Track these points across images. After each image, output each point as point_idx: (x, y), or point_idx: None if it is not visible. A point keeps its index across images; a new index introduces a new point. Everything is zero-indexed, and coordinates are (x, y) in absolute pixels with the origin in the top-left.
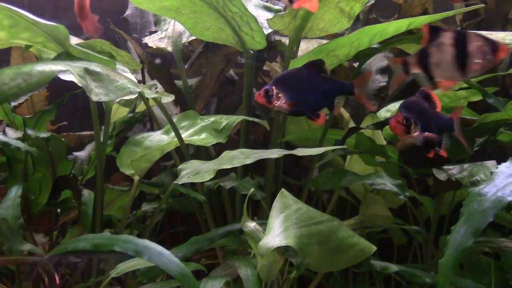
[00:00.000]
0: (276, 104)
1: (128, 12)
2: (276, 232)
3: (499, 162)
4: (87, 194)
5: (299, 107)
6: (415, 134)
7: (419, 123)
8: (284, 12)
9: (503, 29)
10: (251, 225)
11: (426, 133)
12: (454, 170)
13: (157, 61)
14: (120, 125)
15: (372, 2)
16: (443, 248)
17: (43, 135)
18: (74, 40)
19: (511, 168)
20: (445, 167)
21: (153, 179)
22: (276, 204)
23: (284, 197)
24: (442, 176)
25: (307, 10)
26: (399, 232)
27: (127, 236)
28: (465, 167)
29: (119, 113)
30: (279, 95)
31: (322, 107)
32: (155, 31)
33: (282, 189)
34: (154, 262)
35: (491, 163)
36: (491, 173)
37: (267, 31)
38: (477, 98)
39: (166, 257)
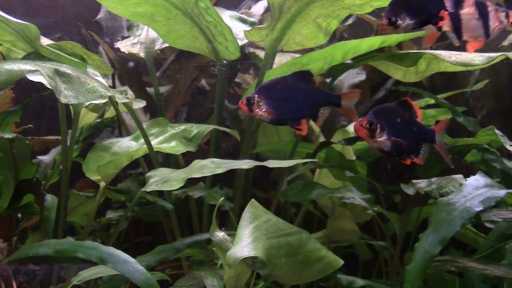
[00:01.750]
0: (257, 112)
1: (100, 15)
2: (245, 242)
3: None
4: (50, 199)
5: (280, 116)
6: (381, 139)
7: (388, 129)
8: (262, 25)
9: None
10: (220, 234)
11: (393, 138)
12: (422, 184)
13: (130, 64)
14: (88, 130)
15: (350, 22)
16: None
17: (7, 136)
18: (44, 41)
19: (479, 181)
20: (413, 181)
21: (119, 185)
22: (246, 214)
23: (254, 208)
24: (410, 191)
25: (285, 23)
26: (365, 247)
27: (91, 243)
28: (433, 180)
29: (87, 118)
30: (260, 103)
31: (305, 116)
32: (128, 36)
33: (252, 200)
34: (118, 270)
35: (459, 176)
36: (460, 184)
37: (241, 42)
38: (446, 116)
39: (131, 265)
